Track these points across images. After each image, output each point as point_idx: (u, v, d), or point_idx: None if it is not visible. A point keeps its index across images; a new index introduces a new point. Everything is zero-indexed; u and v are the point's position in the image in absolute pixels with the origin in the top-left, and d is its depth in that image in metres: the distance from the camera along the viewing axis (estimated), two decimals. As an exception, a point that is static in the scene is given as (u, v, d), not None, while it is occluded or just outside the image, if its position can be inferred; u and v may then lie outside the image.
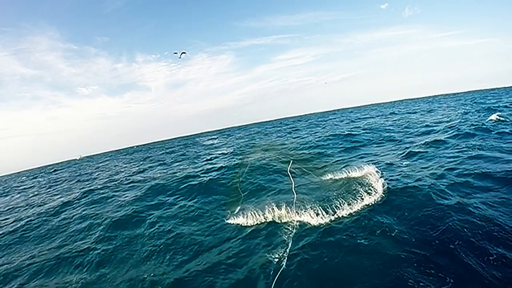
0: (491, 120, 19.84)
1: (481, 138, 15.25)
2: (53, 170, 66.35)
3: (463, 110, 32.51)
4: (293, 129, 48.31)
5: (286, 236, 7.42)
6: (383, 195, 8.98)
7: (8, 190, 36.50)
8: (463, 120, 22.63)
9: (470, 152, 12.60)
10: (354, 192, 9.50)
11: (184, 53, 21.90)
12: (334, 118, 60.63)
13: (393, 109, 62.20)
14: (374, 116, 47.31)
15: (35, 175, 59.67)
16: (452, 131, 18.42)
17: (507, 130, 15.86)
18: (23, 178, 60.74)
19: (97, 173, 33.48)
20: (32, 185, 36.42)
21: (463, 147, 13.78)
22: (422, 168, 11.61)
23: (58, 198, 19.75)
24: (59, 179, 36.14)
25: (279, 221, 8.55)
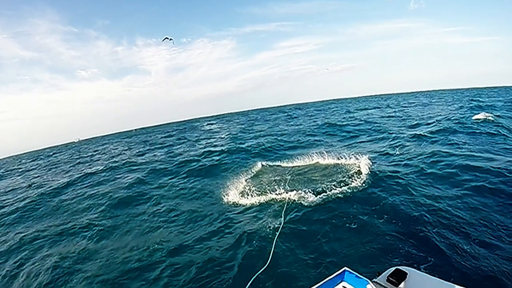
0: (478, 119, 20.28)
1: (465, 135, 15.86)
2: (52, 153, 66.75)
3: (458, 106, 33.14)
4: (292, 117, 48.80)
5: (281, 212, 7.87)
6: (371, 181, 9.58)
7: (9, 172, 36.86)
8: (453, 117, 23.13)
9: (451, 148, 13.16)
10: (344, 177, 10.09)
11: (171, 39, 23.12)
12: (333, 108, 60.97)
13: (392, 102, 62.69)
14: (372, 108, 47.82)
15: (35, 158, 59.99)
16: (440, 126, 19.03)
17: (491, 130, 16.31)
18: (22, 160, 61.05)
19: (97, 156, 33.84)
20: (32, 167, 36.76)
21: (447, 143, 14.37)
22: (408, 159, 12.18)
23: (59, 180, 20.15)
24: (59, 162, 36.50)
25: (275, 200, 9.10)
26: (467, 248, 5.53)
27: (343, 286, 2.33)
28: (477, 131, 16.45)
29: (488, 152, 12.15)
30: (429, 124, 21.33)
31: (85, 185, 16.68)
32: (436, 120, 22.26)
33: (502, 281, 4.63)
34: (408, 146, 14.61)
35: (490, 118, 20.00)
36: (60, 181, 19.26)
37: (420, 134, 16.93)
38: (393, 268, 2.62)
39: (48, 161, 42.12)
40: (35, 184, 20.51)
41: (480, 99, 41.78)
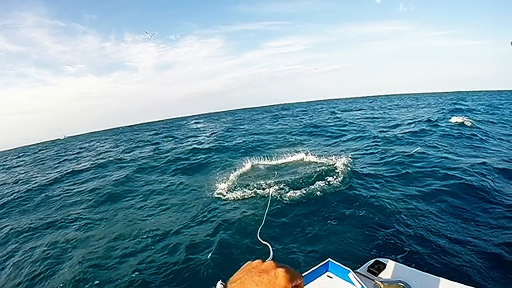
0: (456, 122, 20.96)
1: (441, 137, 16.42)
2: (38, 149, 65.78)
3: (439, 108, 34.22)
4: (278, 117, 49.16)
5: (265, 206, 8.10)
6: (351, 179, 10.08)
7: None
8: (432, 118, 23.90)
9: (428, 149, 13.60)
10: (326, 174, 10.63)
11: (153, 34, 23.97)
12: (319, 109, 61.45)
13: (377, 103, 63.71)
14: (357, 109, 48.71)
15: (20, 154, 59.11)
16: (419, 127, 19.77)
17: (467, 133, 16.87)
18: (8, 157, 59.98)
19: (84, 153, 33.48)
20: (18, 164, 36.26)
21: (424, 144, 14.86)
22: (387, 158, 12.74)
23: (46, 176, 20.14)
24: (45, 158, 36.09)
25: (260, 195, 9.57)
26: (441, 242, 5.89)
27: (327, 275, 2.49)
28: (455, 133, 17.02)
29: (462, 153, 12.74)
30: (409, 125, 22.12)
31: (72, 182, 16.73)
32: (416, 122, 23.08)
33: (472, 273, 4.97)
34: (387, 146, 15.18)
35: (467, 121, 20.68)
36: (46, 178, 19.26)
37: (400, 135, 17.63)
38: (373, 260, 2.75)
39: (34, 157, 41.49)
40: (22, 181, 20.43)
41: (463, 103, 42.85)
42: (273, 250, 1.17)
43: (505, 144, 14.67)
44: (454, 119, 21.88)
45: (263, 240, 1.30)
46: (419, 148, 13.25)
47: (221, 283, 0.80)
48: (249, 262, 0.89)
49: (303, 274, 2.34)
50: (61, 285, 6.15)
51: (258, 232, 1.47)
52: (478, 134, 16.51)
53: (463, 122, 20.51)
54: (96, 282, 5.98)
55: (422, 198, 8.23)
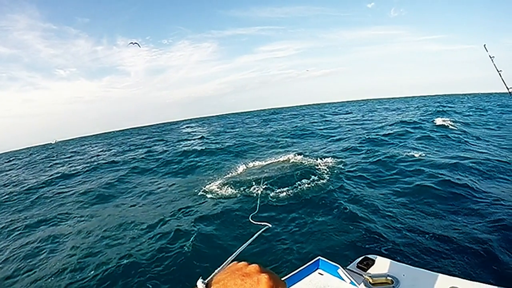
0: (440, 124, 21.40)
1: (424, 138, 16.95)
2: (29, 153, 65.33)
3: (425, 111, 35.02)
4: (270, 120, 49.75)
5: (256, 203, 8.61)
6: (338, 178, 10.53)
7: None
8: (417, 120, 24.75)
9: (411, 150, 13.91)
10: (314, 174, 10.97)
11: (136, 43, 24.74)
12: (310, 113, 61.84)
13: (367, 107, 64.51)
14: (346, 113, 49.51)
15: (12, 158, 58.78)
16: (403, 129, 20.30)
17: (450, 135, 17.29)
18: (-1, 160, 59.58)
19: (76, 157, 33.56)
20: (9, 167, 36.07)
21: (408, 145, 15.41)
22: (372, 158, 13.19)
23: (37, 179, 20.27)
24: (36, 162, 36.08)
25: (251, 193, 9.91)
26: (427, 238, 6.09)
27: (318, 273, 2.52)
28: (438, 135, 17.46)
29: (445, 153, 13.15)
30: (395, 126, 22.67)
31: (64, 185, 16.89)
32: (402, 123, 23.68)
33: (458, 265, 5.18)
34: (373, 147, 15.63)
35: (451, 123, 21.33)
36: (38, 180, 19.40)
37: (385, 137, 18.23)
38: (362, 256, 2.82)
39: (26, 161, 41.26)
40: (14, 183, 20.50)
41: (451, 105, 43.83)
42: (268, 225, 1.27)
43: (489, 145, 15.01)
44: (439, 121, 22.44)
45: (256, 221, 1.39)
46: (422, 153, 13.48)
47: (202, 282, 0.79)
48: (234, 262, 0.91)
49: (294, 272, 2.52)
50: (56, 276, 6.43)
51: (250, 217, 1.61)
52: (461, 136, 16.93)
53: (447, 124, 21.03)
54: (91, 272, 6.28)
55: (408, 197, 8.51)
